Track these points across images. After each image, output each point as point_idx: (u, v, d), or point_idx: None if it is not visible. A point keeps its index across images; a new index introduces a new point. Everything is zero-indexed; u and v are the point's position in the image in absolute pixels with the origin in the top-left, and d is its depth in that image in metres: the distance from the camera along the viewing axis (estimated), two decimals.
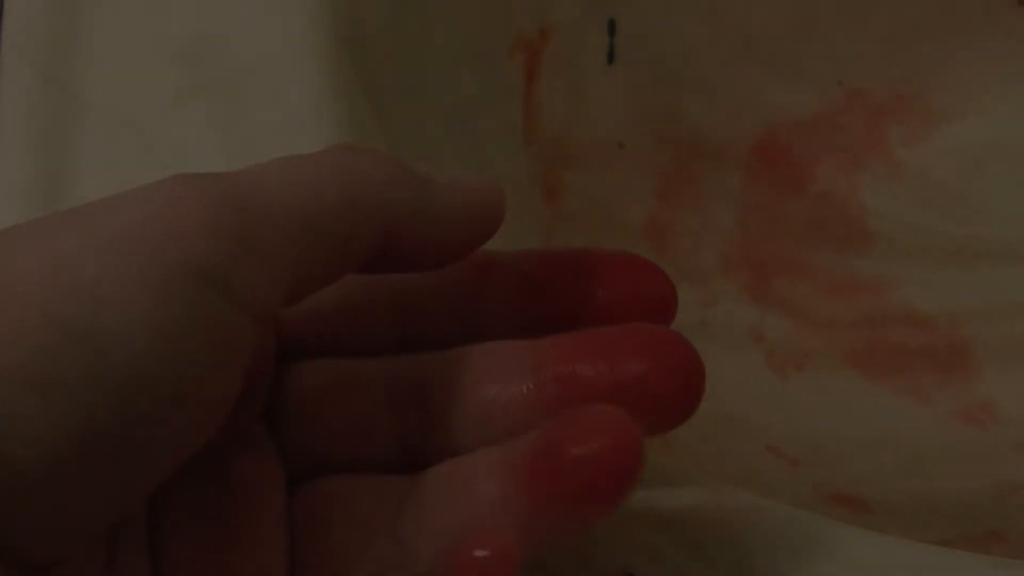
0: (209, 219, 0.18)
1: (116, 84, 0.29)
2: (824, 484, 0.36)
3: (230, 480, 0.20)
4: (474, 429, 0.21)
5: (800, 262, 0.42)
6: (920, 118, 0.44)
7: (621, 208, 0.42)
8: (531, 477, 0.19)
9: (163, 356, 0.17)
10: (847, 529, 0.23)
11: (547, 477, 0.19)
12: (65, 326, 0.16)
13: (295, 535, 0.20)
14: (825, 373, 0.39)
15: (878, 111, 0.44)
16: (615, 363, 0.20)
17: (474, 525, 0.19)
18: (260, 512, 0.20)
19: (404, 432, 0.21)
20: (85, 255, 0.17)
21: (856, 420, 0.38)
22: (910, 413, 0.38)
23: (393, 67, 0.32)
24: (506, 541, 0.19)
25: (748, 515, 0.23)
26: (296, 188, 0.19)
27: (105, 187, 0.20)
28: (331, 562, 0.20)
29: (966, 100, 0.44)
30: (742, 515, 0.23)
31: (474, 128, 0.36)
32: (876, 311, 0.41)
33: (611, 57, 0.42)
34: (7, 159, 0.28)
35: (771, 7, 0.43)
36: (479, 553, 0.19)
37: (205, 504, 0.20)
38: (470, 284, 0.22)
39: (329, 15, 0.30)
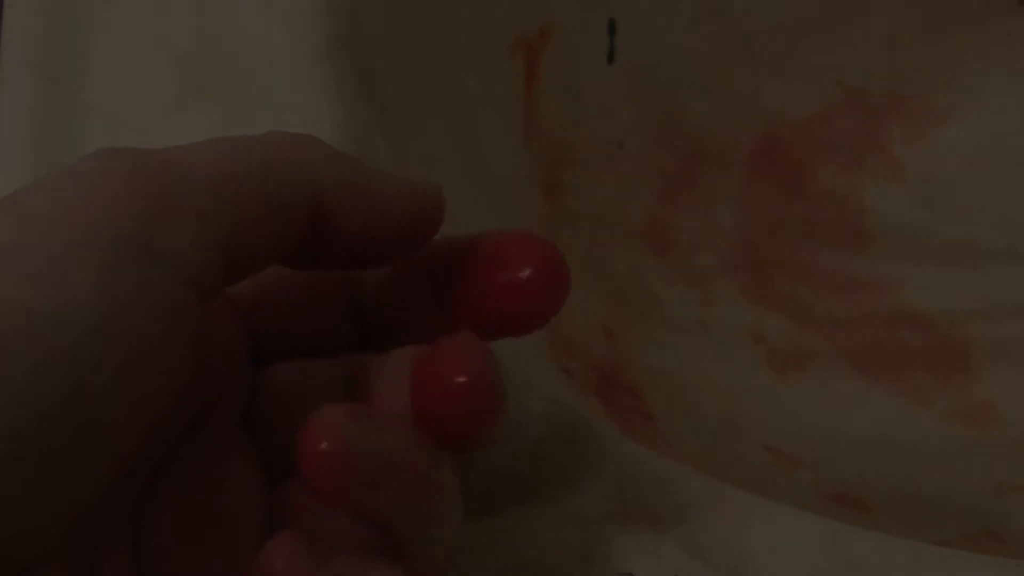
0: (134, 187, 0.18)
1: (116, 84, 0.29)
2: (824, 484, 0.36)
3: (211, 483, 0.20)
4: None
5: (800, 262, 0.42)
6: (920, 118, 0.44)
7: (621, 208, 0.42)
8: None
9: (105, 330, 0.17)
10: (847, 529, 0.23)
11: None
12: (5, 312, 0.16)
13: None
14: (825, 373, 0.39)
15: (878, 111, 0.44)
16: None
17: None
18: (241, 515, 0.20)
19: None
20: (16, 240, 0.17)
21: (856, 420, 0.38)
22: (910, 413, 0.38)
23: (393, 67, 0.32)
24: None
25: (748, 515, 0.23)
26: (222, 156, 0.19)
27: None
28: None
29: (966, 100, 0.44)
30: (742, 515, 0.23)
31: (474, 128, 0.36)
32: (876, 311, 0.41)
33: (611, 57, 0.42)
34: (7, 159, 0.28)
35: (771, 7, 0.43)
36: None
37: (187, 508, 0.20)
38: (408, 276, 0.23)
39: (328, 15, 0.30)
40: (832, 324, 0.40)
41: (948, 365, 0.39)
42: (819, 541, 0.23)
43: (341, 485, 0.18)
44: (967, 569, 0.23)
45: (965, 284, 0.41)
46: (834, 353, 0.40)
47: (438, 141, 0.34)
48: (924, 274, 0.41)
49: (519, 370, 0.25)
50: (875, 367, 0.39)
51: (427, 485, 0.19)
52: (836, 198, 0.43)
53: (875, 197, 0.43)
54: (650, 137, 0.43)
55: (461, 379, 0.19)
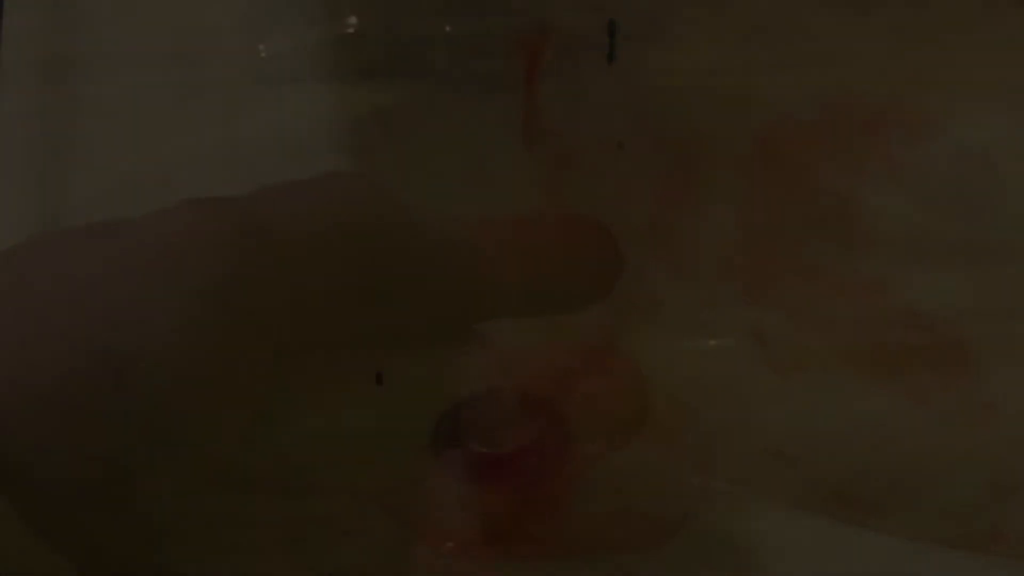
0: (224, 245, 0.18)
1: (116, 84, 0.29)
2: (824, 484, 0.36)
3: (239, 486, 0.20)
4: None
5: (800, 262, 0.42)
6: (920, 118, 0.44)
7: (621, 208, 0.42)
8: None
9: (181, 379, 0.17)
10: (847, 529, 0.23)
11: None
12: (89, 350, 0.16)
13: None
14: (825, 373, 0.39)
15: (878, 111, 0.44)
16: None
17: None
18: (269, 524, 0.20)
19: None
20: (104, 280, 0.17)
21: (856, 420, 0.38)
22: (910, 413, 0.38)
23: (393, 67, 0.32)
24: None
25: (748, 515, 0.23)
26: (303, 218, 0.19)
27: (105, 187, 0.20)
28: None
29: (966, 100, 0.44)
30: (742, 515, 0.23)
31: (474, 128, 0.36)
32: (876, 311, 0.41)
33: (611, 57, 0.42)
34: (7, 159, 0.28)
35: (771, 6, 0.43)
36: None
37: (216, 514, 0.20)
38: None
39: (329, 15, 0.30)
40: (832, 324, 0.40)
41: (948, 365, 0.39)
42: (819, 541, 0.23)
43: None
44: (967, 569, 0.23)
45: (965, 284, 0.41)
46: (834, 353, 0.40)
47: (437, 140, 0.34)
48: (924, 274, 0.41)
49: None
50: (875, 367, 0.39)
51: None
52: (836, 198, 0.43)
53: (875, 197, 0.43)
54: (650, 137, 0.43)
55: None
